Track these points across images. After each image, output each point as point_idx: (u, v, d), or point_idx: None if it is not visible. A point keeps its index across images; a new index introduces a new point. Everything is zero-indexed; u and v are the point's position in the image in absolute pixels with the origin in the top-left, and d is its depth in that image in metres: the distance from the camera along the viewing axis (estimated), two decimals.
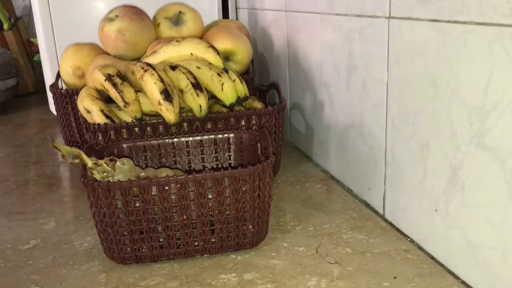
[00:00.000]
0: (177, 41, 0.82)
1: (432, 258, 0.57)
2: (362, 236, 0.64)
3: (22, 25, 1.78)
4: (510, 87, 0.43)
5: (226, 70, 0.79)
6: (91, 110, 0.76)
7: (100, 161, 0.59)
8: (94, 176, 0.58)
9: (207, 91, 0.77)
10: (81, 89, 0.80)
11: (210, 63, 0.80)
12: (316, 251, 0.60)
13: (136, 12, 0.94)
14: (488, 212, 0.48)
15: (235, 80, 0.79)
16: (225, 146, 0.73)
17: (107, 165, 0.59)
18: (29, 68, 1.73)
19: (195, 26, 0.97)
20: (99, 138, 0.72)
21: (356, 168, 0.75)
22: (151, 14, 0.99)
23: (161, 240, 0.58)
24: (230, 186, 0.57)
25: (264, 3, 1.11)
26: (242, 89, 0.79)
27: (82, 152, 0.59)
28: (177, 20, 0.97)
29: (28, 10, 1.88)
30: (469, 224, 0.50)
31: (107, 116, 0.75)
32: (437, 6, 0.51)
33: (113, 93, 0.75)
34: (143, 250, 0.58)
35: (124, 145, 0.70)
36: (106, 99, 0.79)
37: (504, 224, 0.46)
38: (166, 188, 0.56)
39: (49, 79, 1.25)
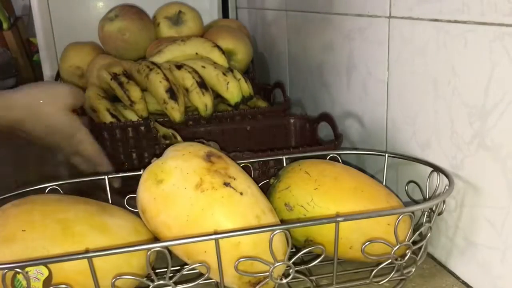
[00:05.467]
0: (182, 40, 0.82)
1: (432, 258, 0.57)
2: None
3: (22, 25, 1.78)
4: (511, 86, 0.43)
5: (231, 69, 0.79)
6: (97, 109, 0.76)
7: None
8: None
9: (212, 90, 0.77)
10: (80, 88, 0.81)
11: (215, 63, 0.80)
12: None
13: (136, 12, 0.94)
14: (488, 212, 0.48)
15: (240, 79, 0.79)
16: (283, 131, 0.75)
17: None
18: (29, 68, 1.73)
19: (195, 25, 0.97)
20: (105, 137, 0.73)
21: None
22: (151, 14, 0.99)
23: None
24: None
25: (264, 2, 1.11)
26: (246, 88, 0.80)
27: (176, 133, 0.64)
28: (177, 20, 0.97)
29: (28, 10, 1.88)
30: (469, 224, 0.50)
31: (113, 115, 0.75)
32: (438, 5, 0.51)
33: (119, 91, 0.75)
34: None
35: (202, 129, 0.72)
36: (112, 98, 0.79)
37: (504, 224, 0.46)
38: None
39: (49, 79, 1.25)
